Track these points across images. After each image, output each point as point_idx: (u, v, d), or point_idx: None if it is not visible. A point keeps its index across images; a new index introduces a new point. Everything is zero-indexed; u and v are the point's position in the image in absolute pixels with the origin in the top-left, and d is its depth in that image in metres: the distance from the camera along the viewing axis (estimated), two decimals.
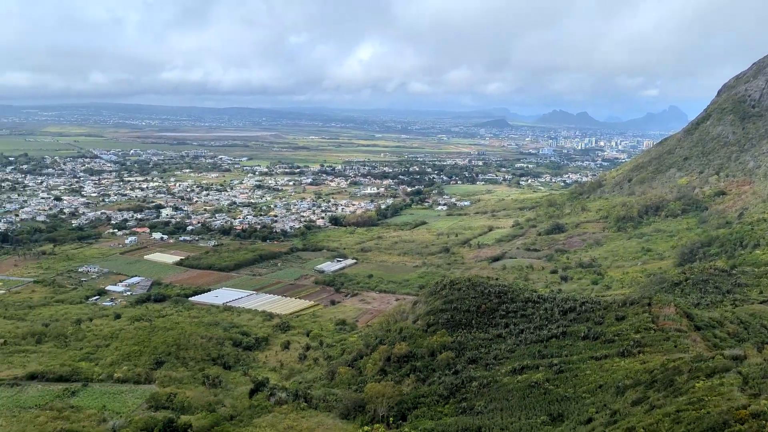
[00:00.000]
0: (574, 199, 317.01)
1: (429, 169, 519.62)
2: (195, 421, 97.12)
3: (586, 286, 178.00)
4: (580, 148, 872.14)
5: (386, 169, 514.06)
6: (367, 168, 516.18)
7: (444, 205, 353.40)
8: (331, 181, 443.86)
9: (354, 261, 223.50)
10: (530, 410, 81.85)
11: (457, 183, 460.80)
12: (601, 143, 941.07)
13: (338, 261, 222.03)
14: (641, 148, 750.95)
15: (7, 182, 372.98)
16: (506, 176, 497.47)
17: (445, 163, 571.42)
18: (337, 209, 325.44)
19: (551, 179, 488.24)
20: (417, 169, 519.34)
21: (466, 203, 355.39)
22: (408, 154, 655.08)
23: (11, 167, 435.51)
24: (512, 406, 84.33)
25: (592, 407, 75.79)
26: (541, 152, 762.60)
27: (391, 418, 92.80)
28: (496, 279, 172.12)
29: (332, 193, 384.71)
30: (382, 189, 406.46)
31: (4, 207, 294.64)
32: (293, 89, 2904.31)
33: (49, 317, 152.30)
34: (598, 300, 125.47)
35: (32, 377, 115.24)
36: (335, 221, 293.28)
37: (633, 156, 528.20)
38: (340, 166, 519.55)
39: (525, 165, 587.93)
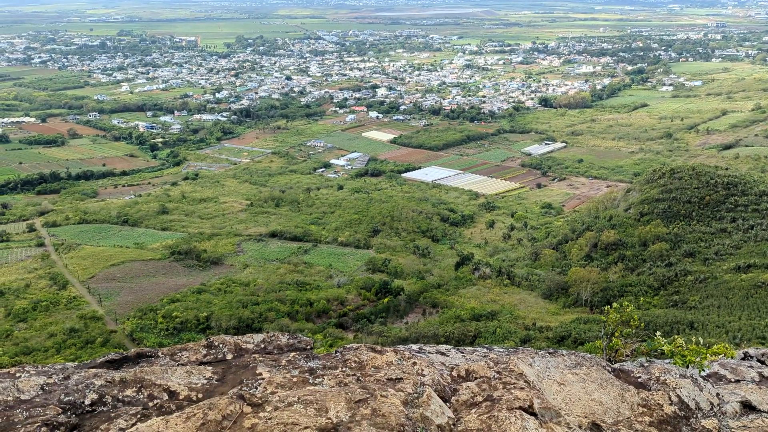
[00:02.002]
0: None
1: (654, 45, 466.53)
2: (407, 285, 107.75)
3: None
4: None
5: (605, 45, 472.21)
6: (583, 44, 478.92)
7: (670, 85, 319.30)
8: (542, 59, 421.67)
9: (563, 144, 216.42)
10: (753, 311, 77.41)
11: (687, 60, 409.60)
12: None
13: (546, 144, 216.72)
14: None
15: (248, 63, 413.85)
16: (750, 52, 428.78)
17: (674, 38, 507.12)
18: (547, 90, 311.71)
19: None
20: (640, 44, 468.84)
21: (696, 83, 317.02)
22: (631, 29, 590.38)
23: (250, 48, 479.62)
24: (732, 305, 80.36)
25: None
26: None
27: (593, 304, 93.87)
28: (726, 169, 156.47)
29: (543, 73, 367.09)
30: (599, 68, 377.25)
31: (246, 86, 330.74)
32: None
33: (284, 185, 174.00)
34: None
35: (273, 235, 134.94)
36: (545, 102, 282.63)
37: None
38: (553, 43, 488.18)
39: None
